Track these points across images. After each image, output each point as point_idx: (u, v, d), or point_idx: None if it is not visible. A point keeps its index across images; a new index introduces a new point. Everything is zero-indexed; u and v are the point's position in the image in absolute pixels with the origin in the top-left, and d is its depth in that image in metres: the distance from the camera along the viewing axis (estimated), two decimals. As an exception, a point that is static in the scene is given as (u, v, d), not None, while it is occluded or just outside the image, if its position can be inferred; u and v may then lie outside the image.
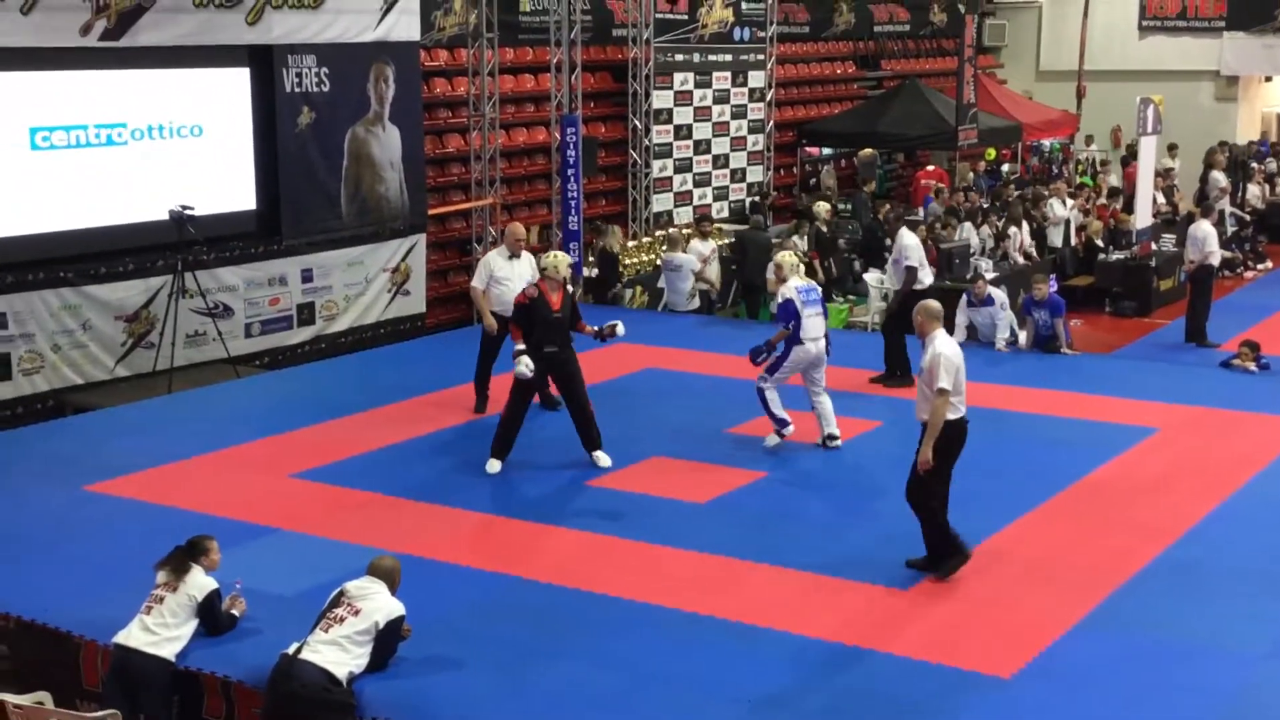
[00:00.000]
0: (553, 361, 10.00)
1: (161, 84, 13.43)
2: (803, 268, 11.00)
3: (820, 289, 10.82)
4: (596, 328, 10.35)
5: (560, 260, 10.10)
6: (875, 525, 8.98)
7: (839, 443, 10.51)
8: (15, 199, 12.29)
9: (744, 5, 21.72)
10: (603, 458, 10.14)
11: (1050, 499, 9.44)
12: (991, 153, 25.00)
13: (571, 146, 17.40)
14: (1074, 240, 19.86)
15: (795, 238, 17.45)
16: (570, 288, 10.26)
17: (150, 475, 10.01)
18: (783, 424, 10.45)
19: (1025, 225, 18.63)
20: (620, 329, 10.52)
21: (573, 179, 17.48)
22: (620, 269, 16.75)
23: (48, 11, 12.08)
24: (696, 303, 15.67)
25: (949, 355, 7.95)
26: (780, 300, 10.55)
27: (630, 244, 18.42)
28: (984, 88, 23.13)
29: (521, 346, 9.86)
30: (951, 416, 7.93)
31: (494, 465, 10.05)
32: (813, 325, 10.33)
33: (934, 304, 8.47)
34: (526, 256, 11.58)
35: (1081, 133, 27.41)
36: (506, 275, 11.33)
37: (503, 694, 6.73)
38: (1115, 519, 9.09)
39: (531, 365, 9.82)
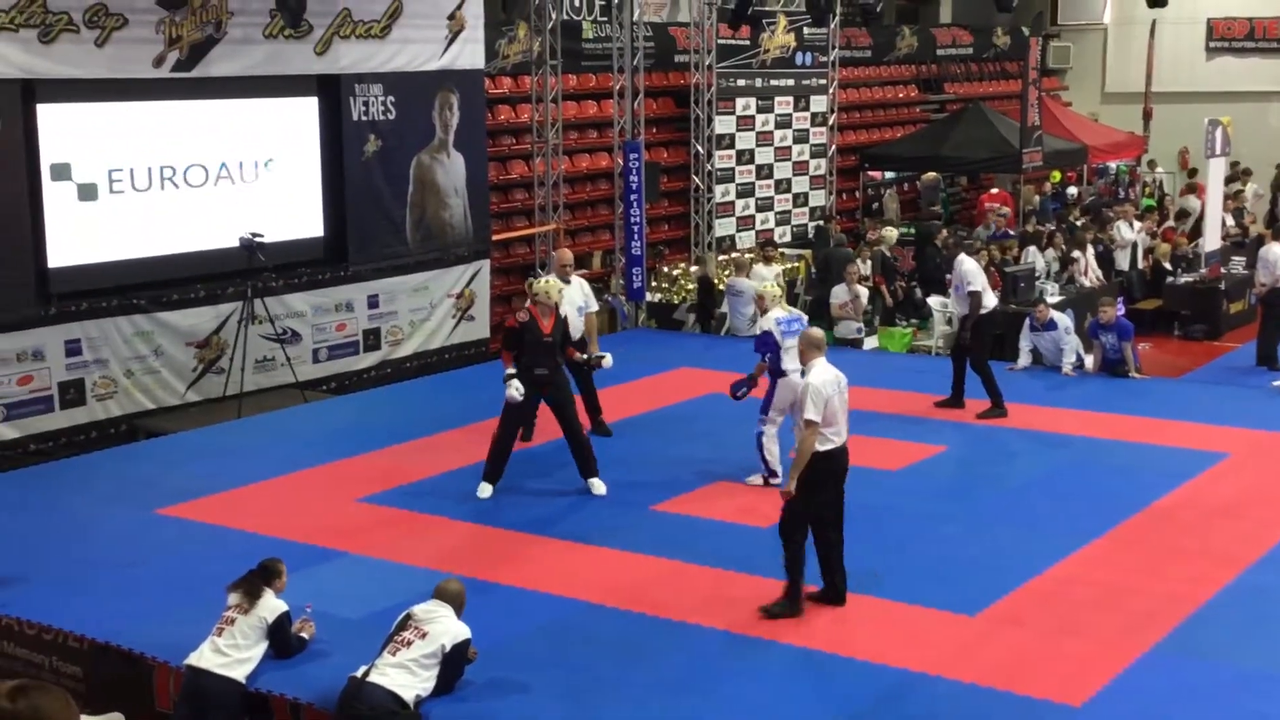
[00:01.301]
0: (543, 384, 10.05)
1: (232, 114, 13.65)
2: (784, 298, 10.73)
3: (806, 319, 10.53)
4: (585, 356, 10.41)
5: (551, 286, 10.20)
6: (940, 550, 8.92)
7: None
8: (90, 227, 12.53)
9: (806, 30, 21.75)
10: (598, 485, 10.14)
11: (1120, 525, 9.33)
12: (1057, 175, 24.83)
13: (634, 172, 17.48)
14: (1141, 263, 19.67)
15: (859, 261, 17.42)
16: (563, 313, 10.34)
17: (220, 499, 10.14)
18: (772, 474, 10.14)
19: (1091, 249, 18.48)
20: (608, 361, 10.56)
21: (635, 204, 17.56)
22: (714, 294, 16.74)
23: (122, 44, 12.34)
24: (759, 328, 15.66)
25: (817, 386, 7.83)
26: (759, 332, 10.42)
27: (692, 269, 18.46)
28: (1048, 110, 22.99)
29: (511, 371, 9.92)
30: (822, 448, 7.81)
31: (485, 490, 10.09)
32: (791, 356, 9.99)
33: (815, 333, 8.42)
34: (577, 280, 11.69)
35: (1148, 155, 27.15)
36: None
37: (568, 719, 6.74)
38: (1186, 545, 8.97)
39: (521, 389, 9.86)
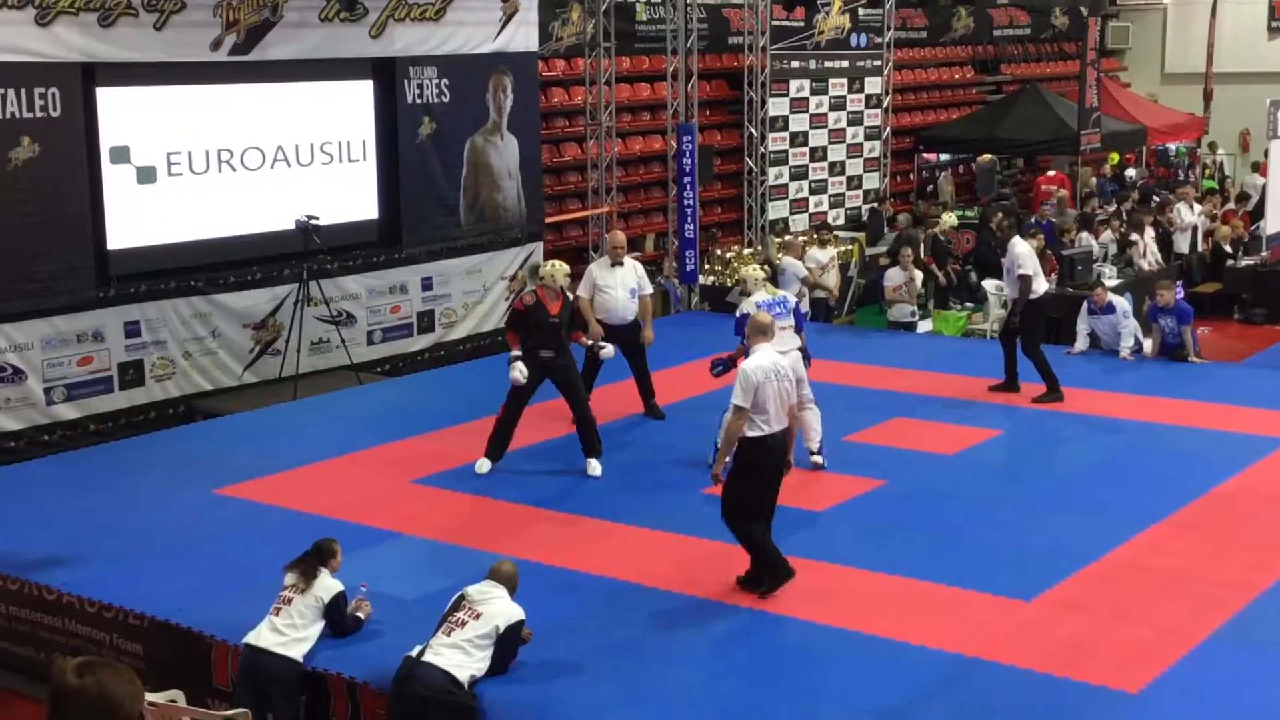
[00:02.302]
0: (548, 366, 10.11)
1: (288, 97, 13.74)
2: (766, 282, 10.54)
3: (792, 300, 10.46)
4: (590, 341, 10.49)
5: (557, 270, 10.23)
6: (995, 534, 8.86)
7: (821, 460, 10.18)
8: (149, 210, 12.66)
9: (861, 11, 21.60)
10: (594, 466, 10.19)
11: (1178, 511, 9.23)
12: (1115, 157, 24.54)
13: (687, 154, 17.45)
14: (1201, 246, 19.42)
15: (907, 247, 17.30)
16: (570, 295, 10.42)
17: (277, 479, 10.24)
18: None
19: (1150, 231, 18.26)
20: (608, 352, 10.74)
21: (688, 187, 17.53)
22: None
23: (180, 28, 12.44)
24: (805, 309, 15.54)
25: (749, 371, 7.75)
26: (739, 315, 10.33)
27: (746, 251, 18.41)
28: (1107, 91, 22.72)
29: (517, 352, 10.00)
30: (751, 434, 7.73)
31: (484, 465, 10.19)
32: (775, 340, 9.99)
33: (761, 317, 8.32)
34: (629, 263, 11.68)
35: (1208, 136, 26.77)
36: (609, 283, 11.44)
37: (621, 700, 6.76)
38: (1246, 531, 8.87)
39: (525, 371, 9.94)
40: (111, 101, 12.28)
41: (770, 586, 7.85)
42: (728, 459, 7.96)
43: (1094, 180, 23.15)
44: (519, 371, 9.96)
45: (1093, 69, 20.71)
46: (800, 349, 10.19)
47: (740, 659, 7.17)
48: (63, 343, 11.97)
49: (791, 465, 8.16)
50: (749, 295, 10.31)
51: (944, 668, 7.01)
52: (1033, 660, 7.03)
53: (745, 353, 10.05)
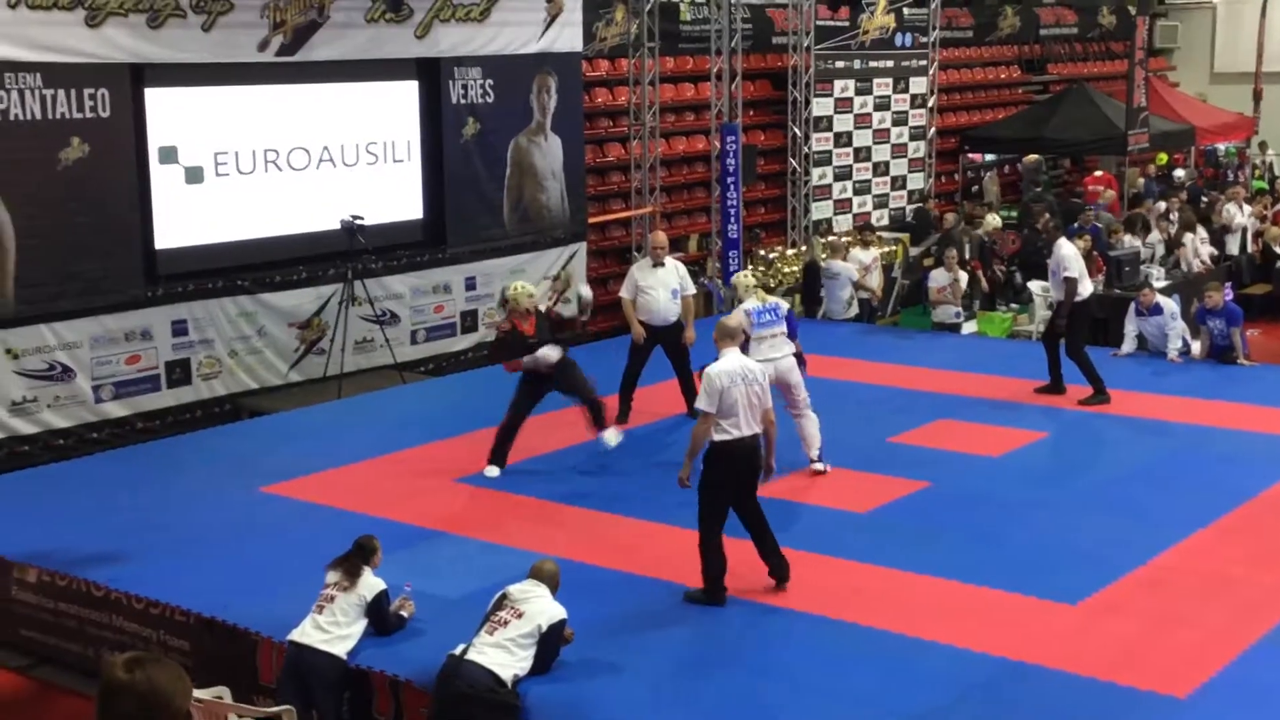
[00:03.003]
0: (546, 377, 10.19)
1: (334, 97, 13.83)
2: (758, 289, 10.48)
3: (784, 307, 10.35)
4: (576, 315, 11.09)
5: (520, 292, 10.31)
6: (1040, 537, 8.79)
7: (823, 466, 10.10)
8: (196, 209, 12.76)
9: (906, 11, 21.50)
10: (611, 436, 10.33)
11: (1226, 514, 9.13)
12: (1163, 157, 24.30)
13: (731, 155, 17.42)
14: (1251, 247, 19.20)
15: (951, 248, 17.20)
16: (543, 307, 10.57)
17: (322, 478, 10.29)
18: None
19: (1199, 231, 18.06)
20: (586, 295, 11.09)
21: (732, 187, 17.50)
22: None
23: (227, 28, 12.54)
24: (854, 310, 15.53)
25: (713, 376, 7.69)
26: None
27: (789, 252, 18.36)
28: (1155, 91, 22.50)
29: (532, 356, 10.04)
30: (718, 438, 7.67)
31: (493, 470, 10.23)
32: (767, 347, 9.89)
33: (728, 321, 8.26)
34: (671, 263, 11.66)
35: (1258, 136, 26.47)
36: (651, 284, 11.44)
37: (663, 701, 6.76)
38: (1296, 536, 8.76)
39: (556, 348, 10.09)
40: (160, 102, 12.39)
41: (696, 598, 7.78)
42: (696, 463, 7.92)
43: (1140, 181, 22.93)
44: (550, 350, 10.06)
45: (1141, 68, 20.51)
46: (796, 354, 10.18)
47: (784, 661, 7.14)
48: (111, 341, 12.08)
49: (773, 469, 8.09)
50: (741, 302, 10.29)
51: (989, 671, 6.96)
52: (1080, 664, 6.96)
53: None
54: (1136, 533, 8.78)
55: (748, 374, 7.80)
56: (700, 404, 7.73)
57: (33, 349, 11.60)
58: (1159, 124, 21.77)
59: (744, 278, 10.73)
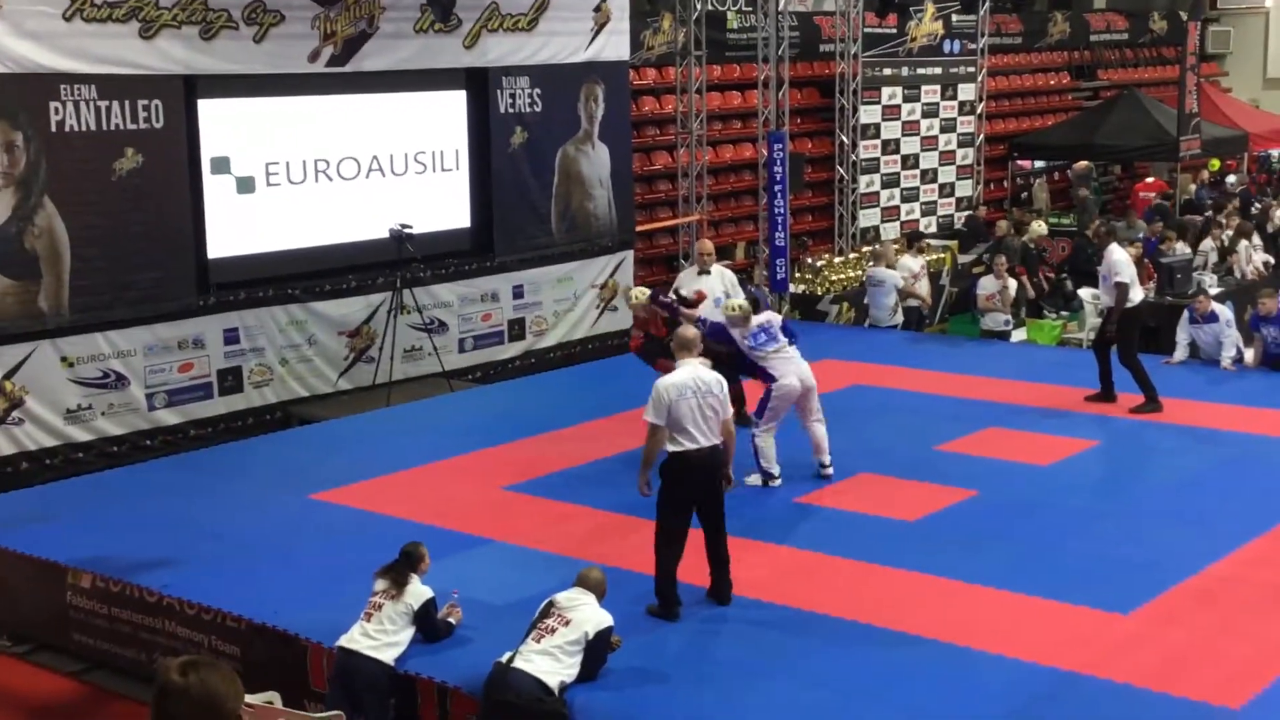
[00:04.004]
0: None
1: (383, 107, 13.92)
2: (747, 313, 10.32)
3: (777, 320, 10.38)
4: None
5: (635, 303, 10.86)
6: (1091, 547, 8.72)
7: (830, 471, 10.14)
8: (247, 219, 12.89)
9: (955, 17, 21.41)
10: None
11: (1279, 525, 9.03)
12: (1215, 164, 24.07)
13: (778, 162, 17.40)
14: (1305, 254, 18.96)
15: (1001, 255, 17.11)
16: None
17: (371, 485, 10.36)
18: (770, 477, 10.07)
19: (1253, 238, 17.87)
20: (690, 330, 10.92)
21: (779, 195, 17.47)
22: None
23: (279, 40, 12.66)
24: (899, 318, 15.46)
25: (660, 389, 7.68)
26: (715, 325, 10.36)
27: (836, 260, 18.31)
28: (1207, 96, 22.30)
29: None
30: (671, 449, 7.65)
31: None
32: (780, 364, 9.99)
33: (684, 333, 8.21)
34: (717, 270, 11.67)
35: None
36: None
37: (710, 709, 6.75)
38: (1353, 547, 8.64)
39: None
40: (212, 113, 12.53)
41: (652, 611, 7.77)
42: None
43: (1193, 187, 22.72)
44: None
45: (1192, 74, 20.34)
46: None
47: (830, 670, 7.12)
48: (164, 349, 12.22)
49: (732, 480, 8.12)
50: (735, 328, 10.27)
51: (1041, 681, 6.90)
52: (1132, 675, 6.90)
53: (758, 374, 10.13)
54: (1188, 542, 8.70)
55: (700, 385, 7.78)
56: (647, 415, 7.78)
57: (87, 357, 11.74)
58: (1211, 130, 21.56)
59: (732, 306, 10.44)
